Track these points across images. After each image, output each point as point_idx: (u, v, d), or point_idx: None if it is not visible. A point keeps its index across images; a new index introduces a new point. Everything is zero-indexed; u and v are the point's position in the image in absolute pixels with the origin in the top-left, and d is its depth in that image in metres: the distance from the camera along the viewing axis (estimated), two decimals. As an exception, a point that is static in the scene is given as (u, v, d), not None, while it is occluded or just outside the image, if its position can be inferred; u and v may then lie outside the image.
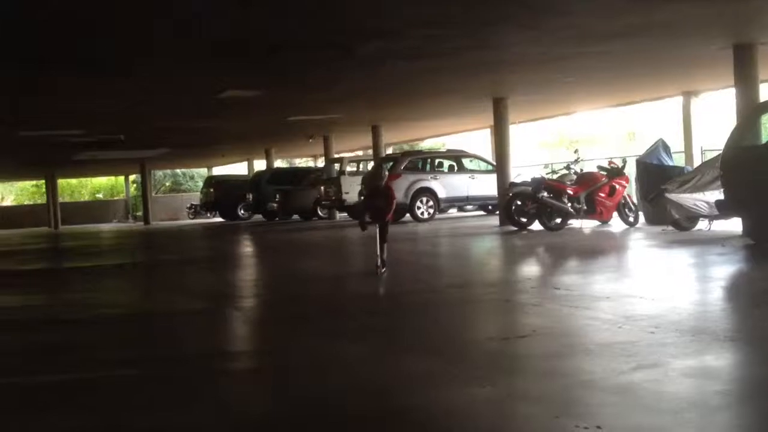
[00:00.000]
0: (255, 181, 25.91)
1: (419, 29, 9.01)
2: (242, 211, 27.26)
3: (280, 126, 19.67)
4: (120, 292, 9.00)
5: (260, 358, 4.99)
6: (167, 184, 44.14)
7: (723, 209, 9.46)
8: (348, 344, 5.00)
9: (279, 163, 34.79)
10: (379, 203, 8.11)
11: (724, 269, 7.82)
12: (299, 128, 20.61)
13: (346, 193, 20.34)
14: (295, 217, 24.45)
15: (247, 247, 15.77)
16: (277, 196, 23.75)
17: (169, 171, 43.00)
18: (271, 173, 26.27)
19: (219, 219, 28.85)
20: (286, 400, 3.72)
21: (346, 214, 21.98)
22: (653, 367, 3.84)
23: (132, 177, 39.75)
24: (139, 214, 35.35)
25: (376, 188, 8.49)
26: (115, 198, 42.23)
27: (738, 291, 6.74)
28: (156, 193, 38.73)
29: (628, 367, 3.88)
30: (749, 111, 10.34)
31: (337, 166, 21.89)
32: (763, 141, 9.66)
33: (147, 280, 10.33)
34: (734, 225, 10.22)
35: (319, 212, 23.36)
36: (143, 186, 32.84)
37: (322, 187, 21.88)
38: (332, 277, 9.31)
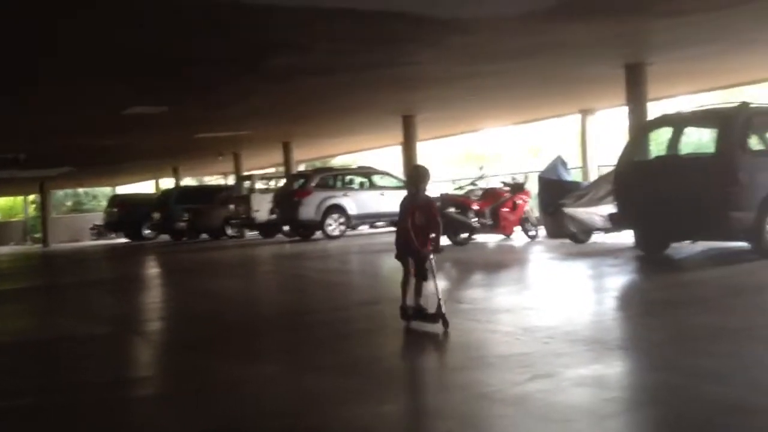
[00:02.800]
0: (162, 199, 25.31)
1: (326, 44, 9.09)
2: (148, 231, 26.55)
3: (188, 143, 19.36)
4: (14, 317, 8.63)
5: (161, 383, 4.90)
6: (68, 204, 42.53)
7: (616, 222, 9.91)
8: (253, 365, 4.98)
9: (188, 181, 34.12)
10: (419, 223, 5.54)
11: (616, 280, 8.21)
12: (208, 145, 20.33)
13: (257, 211, 20.13)
14: (204, 236, 24.01)
15: (150, 269, 15.38)
16: (185, 214, 23.27)
17: (70, 190, 41.48)
18: (179, 191, 25.73)
19: (124, 239, 28.02)
20: (190, 426, 3.69)
21: (257, 233, 21.77)
22: (547, 378, 4.01)
23: (31, 197, 38.11)
24: (39, 235, 33.90)
25: (414, 203, 5.59)
26: (12, 219, 40.35)
27: (629, 301, 7.09)
28: (57, 214, 37.25)
29: (523, 378, 4.03)
30: (639, 128, 10.90)
31: (247, 183, 21.68)
32: (652, 156, 10.21)
33: (44, 304, 9.95)
34: (627, 237, 10.72)
35: (229, 231, 23.04)
36: (42, 206, 31.56)
37: (232, 206, 21.61)
38: (240, 297, 9.22)
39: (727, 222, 8.18)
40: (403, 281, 5.63)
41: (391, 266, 12.06)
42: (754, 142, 9.50)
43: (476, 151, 36.65)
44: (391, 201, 18.37)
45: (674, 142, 9.91)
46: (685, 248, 9.93)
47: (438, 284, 5.38)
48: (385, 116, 16.47)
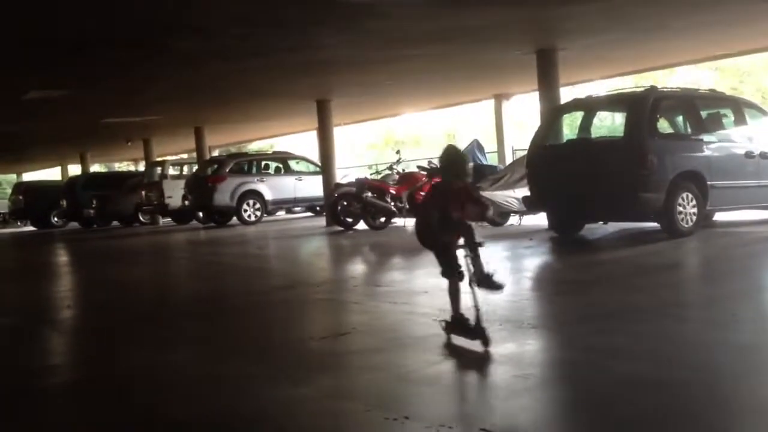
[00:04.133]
0: (69, 186, 24.32)
1: (232, 27, 8.83)
2: (56, 219, 25.54)
3: (95, 129, 18.65)
4: None
5: (70, 372, 4.66)
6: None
7: (529, 205, 10.08)
8: (167, 352, 4.79)
9: (96, 168, 32.95)
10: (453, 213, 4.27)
11: (530, 261, 8.33)
12: (117, 131, 19.64)
13: (169, 197, 19.62)
14: (115, 223, 23.25)
15: (58, 257, 14.75)
16: (93, 201, 22.46)
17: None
18: (87, 178, 24.79)
19: (31, 227, 26.85)
20: (103, 414, 3.50)
21: (170, 219, 21.22)
22: (460, 357, 4.00)
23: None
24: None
25: (447, 190, 4.39)
26: None
27: (542, 281, 7.21)
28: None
29: (438, 358, 4.01)
30: (551, 112, 11.09)
31: (159, 169, 21.05)
32: (564, 140, 10.40)
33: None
34: (542, 219, 10.92)
35: (141, 218, 22.38)
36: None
37: (143, 192, 20.97)
38: (152, 284, 8.92)
39: (638, 203, 8.42)
40: (449, 285, 4.43)
41: (309, 251, 12.06)
42: (663, 126, 9.81)
43: (395, 136, 36.80)
44: (308, 186, 18.27)
45: (585, 125, 10.13)
46: (598, 229, 10.19)
47: (477, 289, 4.20)
48: (300, 101, 16.25)
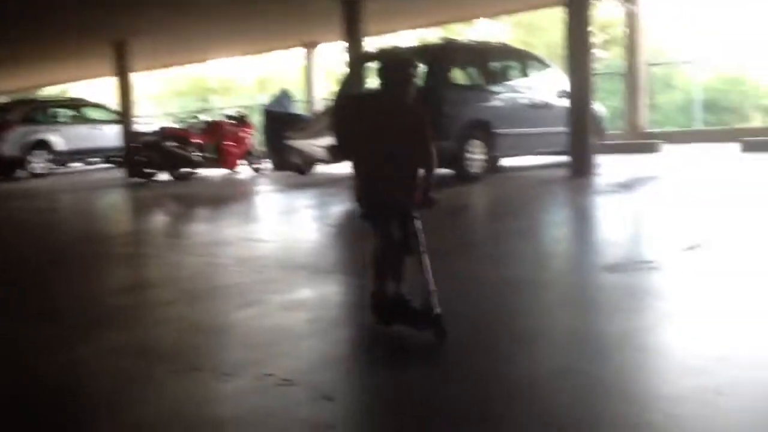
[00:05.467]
0: None
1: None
2: None
3: None
4: None
5: None
6: None
7: (333, 154, 10.20)
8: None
9: None
10: (393, 152, 3.25)
11: (334, 209, 8.50)
12: None
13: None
14: None
15: None
16: None
17: None
18: None
19: None
20: None
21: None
22: (255, 305, 4.03)
23: None
24: None
25: (383, 115, 3.33)
26: None
27: (341, 228, 7.37)
28: None
29: (232, 307, 4.02)
30: (354, 62, 11.23)
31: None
32: (366, 90, 10.58)
33: None
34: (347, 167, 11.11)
35: None
36: None
37: None
38: None
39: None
40: (377, 254, 3.35)
41: (106, 204, 11.48)
42: (457, 76, 10.26)
43: (205, 84, 35.54)
44: (106, 136, 17.22)
45: (387, 75, 10.36)
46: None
47: (428, 262, 3.18)
48: (94, 41, 15.18)
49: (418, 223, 3.25)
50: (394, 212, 3.28)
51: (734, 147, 11.07)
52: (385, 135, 3.27)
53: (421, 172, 3.26)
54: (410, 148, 3.25)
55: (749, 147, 10.98)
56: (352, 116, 3.55)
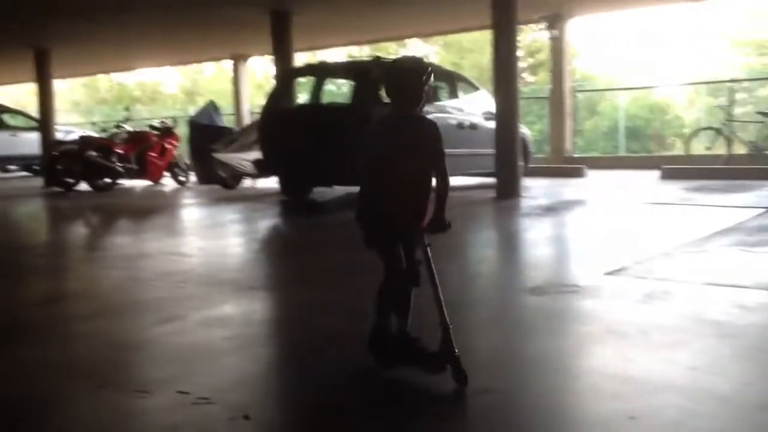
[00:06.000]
0: None
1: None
2: None
3: None
4: None
5: None
6: None
7: (261, 168, 10.13)
8: None
9: None
10: (408, 174, 2.86)
11: (258, 224, 8.41)
12: None
13: None
14: None
15: None
16: None
17: None
18: None
19: None
20: None
21: None
22: (174, 321, 3.92)
23: None
24: None
25: (400, 136, 2.91)
26: None
27: (267, 243, 7.30)
28: None
29: (150, 323, 3.90)
30: (283, 76, 11.19)
31: None
32: (295, 105, 10.56)
33: None
34: (274, 182, 11.02)
35: None
36: None
37: None
38: None
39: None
40: (384, 288, 2.97)
41: (21, 214, 11.04)
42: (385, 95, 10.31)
43: (129, 93, 34.78)
44: (25, 142, 16.61)
45: (316, 91, 10.36)
46: (327, 193, 10.53)
47: (441, 295, 2.83)
48: (14, 48, 14.68)
49: (428, 251, 2.81)
50: (404, 238, 2.88)
51: (654, 174, 11.48)
52: (404, 151, 2.85)
53: (435, 192, 2.88)
54: (426, 165, 2.88)
55: (668, 174, 11.42)
56: (375, 133, 2.93)
